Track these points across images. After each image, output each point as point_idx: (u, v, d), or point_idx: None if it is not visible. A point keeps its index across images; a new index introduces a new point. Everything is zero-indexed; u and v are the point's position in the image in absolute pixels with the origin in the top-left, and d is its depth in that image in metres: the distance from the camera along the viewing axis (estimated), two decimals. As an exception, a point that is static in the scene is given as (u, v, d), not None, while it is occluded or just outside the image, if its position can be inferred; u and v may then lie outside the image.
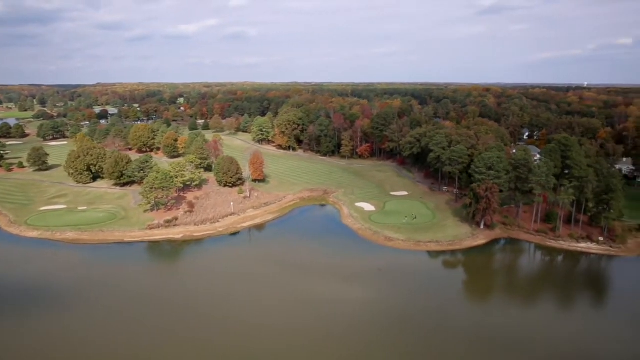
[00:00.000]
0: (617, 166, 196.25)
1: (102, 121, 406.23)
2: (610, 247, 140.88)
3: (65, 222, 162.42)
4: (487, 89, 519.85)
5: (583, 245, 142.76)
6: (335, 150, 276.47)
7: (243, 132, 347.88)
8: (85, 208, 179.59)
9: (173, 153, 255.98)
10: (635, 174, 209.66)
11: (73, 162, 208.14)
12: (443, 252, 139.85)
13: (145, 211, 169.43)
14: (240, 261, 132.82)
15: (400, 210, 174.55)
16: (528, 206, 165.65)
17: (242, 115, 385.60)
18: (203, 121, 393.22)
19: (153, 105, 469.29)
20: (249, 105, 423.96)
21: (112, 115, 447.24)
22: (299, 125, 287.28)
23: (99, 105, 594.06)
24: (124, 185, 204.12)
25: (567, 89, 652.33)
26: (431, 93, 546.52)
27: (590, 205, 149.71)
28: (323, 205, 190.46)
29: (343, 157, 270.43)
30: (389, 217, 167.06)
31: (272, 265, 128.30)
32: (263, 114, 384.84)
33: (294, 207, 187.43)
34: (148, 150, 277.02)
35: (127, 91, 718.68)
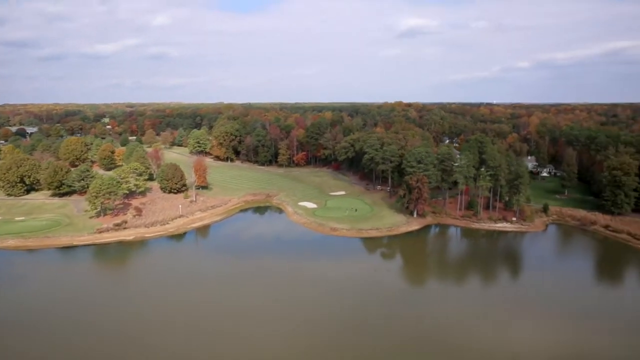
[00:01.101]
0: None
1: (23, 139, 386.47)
2: (522, 225, 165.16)
3: (3, 231, 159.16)
4: (409, 104, 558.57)
5: (500, 225, 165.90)
6: (272, 160, 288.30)
7: (178, 145, 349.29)
8: (23, 218, 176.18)
9: (110, 165, 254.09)
10: (538, 170, 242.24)
11: (4, 173, 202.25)
12: (383, 237, 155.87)
13: (91, 217, 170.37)
14: (194, 257, 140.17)
15: (341, 206, 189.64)
16: (453, 198, 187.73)
17: (176, 129, 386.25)
18: (135, 137, 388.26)
19: (77, 122, 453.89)
20: (181, 120, 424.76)
21: (31, 133, 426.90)
22: (236, 136, 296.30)
23: (11, 125, 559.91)
24: (63, 195, 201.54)
25: (479, 105, 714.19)
26: (357, 109, 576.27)
27: (504, 191, 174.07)
28: (268, 207, 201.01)
29: (280, 165, 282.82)
30: (332, 211, 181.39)
31: (227, 258, 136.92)
32: (197, 129, 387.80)
33: (240, 209, 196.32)
34: (81, 163, 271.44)
35: (43, 111, 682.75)
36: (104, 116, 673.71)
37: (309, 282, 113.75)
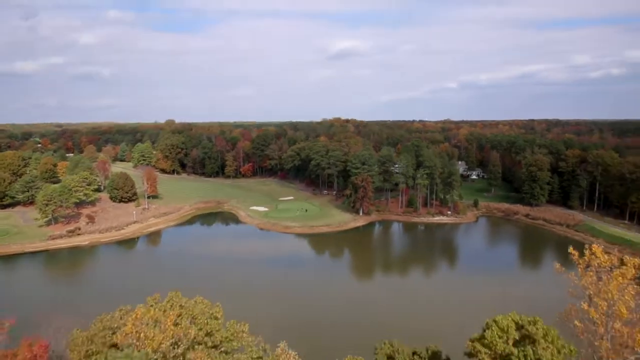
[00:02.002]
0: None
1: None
2: (456, 217, 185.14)
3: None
4: (347, 120, 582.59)
5: (437, 219, 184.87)
6: (219, 171, 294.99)
7: (121, 161, 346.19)
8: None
9: (52, 179, 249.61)
10: (468, 173, 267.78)
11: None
12: (333, 232, 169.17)
13: (40, 226, 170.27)
14: (154, 257, 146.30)
15: (291, 208, 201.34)
16: (395, 198, 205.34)
17: (118, 145, 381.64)
18: (72, 154, 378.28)
19: (4, 140, 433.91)
20: (121, 137, 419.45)
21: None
22: (182, 149, 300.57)
23: None
24: (4, 207, 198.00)
25: (412, 121, 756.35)
26: (296, 126, 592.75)
27: (439, 189, 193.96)
28: (220, 212, 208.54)
29: (227, 176, 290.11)
30: (283, 213, 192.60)
31: (185, 257, 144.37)
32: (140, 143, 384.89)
33: (193, 215, 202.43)
34: (18, 178, 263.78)
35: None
36: (32, 135, 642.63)
37: (263, 261, 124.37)
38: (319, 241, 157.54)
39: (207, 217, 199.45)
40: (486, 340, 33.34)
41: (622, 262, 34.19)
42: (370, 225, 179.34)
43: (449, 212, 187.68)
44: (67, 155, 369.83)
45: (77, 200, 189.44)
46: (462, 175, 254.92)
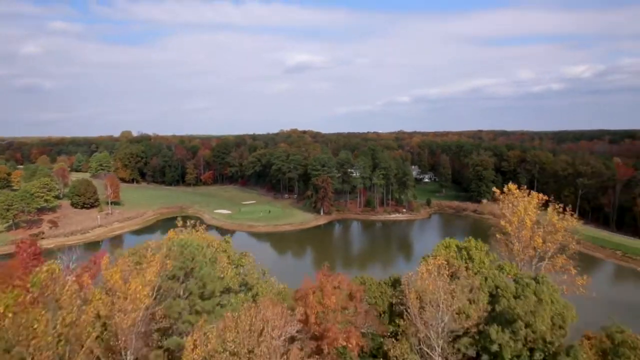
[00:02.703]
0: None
1: None
2: (411, 215, 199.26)
3: None
4: (304, 131, 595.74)
5: (394, 216, 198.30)
6: (180, 180, 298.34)
7: (76, 171, 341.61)
8: None
9: (7, 187, 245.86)
10: (421, 176, 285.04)
11: None
12: (295, 230, 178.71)
13: (0, 232, 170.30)
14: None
15: (254, 210, 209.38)
16: (353, 200, 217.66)
17: (72, 155, 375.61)
18: (22, 166, 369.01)
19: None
20: (75, 148, 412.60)
21: None
22: (142, 157, 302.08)
23: None
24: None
25: (367, 132, 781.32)
26: (255, 138, 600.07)
27: (395, 189, 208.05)
28: (184, 216, 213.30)
29: (188, 184, 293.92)
30: (247, 214, 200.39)
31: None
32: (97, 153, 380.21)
33: (157, 219, 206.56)
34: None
35: None
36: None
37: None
38: (283, 238, 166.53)
39: (172, 221, 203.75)
40: (434, 253, 44.22)
41: (529, 194, 46.68)
42: (331, 223, 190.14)
43: (404, 210, 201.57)
44: (18, 167, 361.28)
45: (39, 206, 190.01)
46: (415, 179, 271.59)
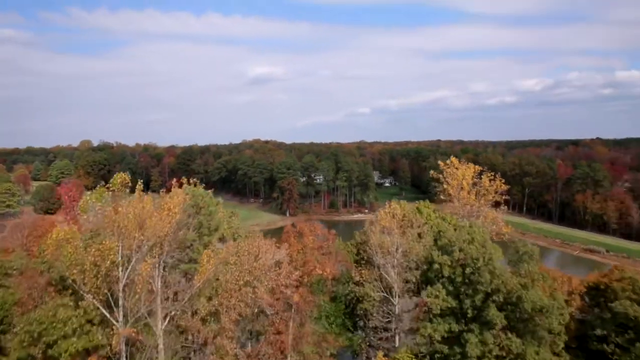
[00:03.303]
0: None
1: None
2: (372, 214, 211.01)
3: None
4: (266, 141, 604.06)
5: (356, 216, 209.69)
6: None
7: (35, 180, 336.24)
8: None
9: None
10: (382, 181, 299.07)
11: None
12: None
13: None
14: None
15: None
16: (318, 203, 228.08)
17: (30, 164, 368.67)
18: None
19: None
20: (32, 157, 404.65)
21: None
22: (104, 165, 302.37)
23: None
24: None
25: (330, 143, 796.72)
26: (218, 148, 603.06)
27: (357, 192, 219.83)
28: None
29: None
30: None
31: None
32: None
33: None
34: None
35: None
36: None
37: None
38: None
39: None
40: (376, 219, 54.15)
41: (468, 163, 58.15)
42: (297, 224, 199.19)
43: (367, 211, 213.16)
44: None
45: (2, 212, 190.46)
46: (376, 183, 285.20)
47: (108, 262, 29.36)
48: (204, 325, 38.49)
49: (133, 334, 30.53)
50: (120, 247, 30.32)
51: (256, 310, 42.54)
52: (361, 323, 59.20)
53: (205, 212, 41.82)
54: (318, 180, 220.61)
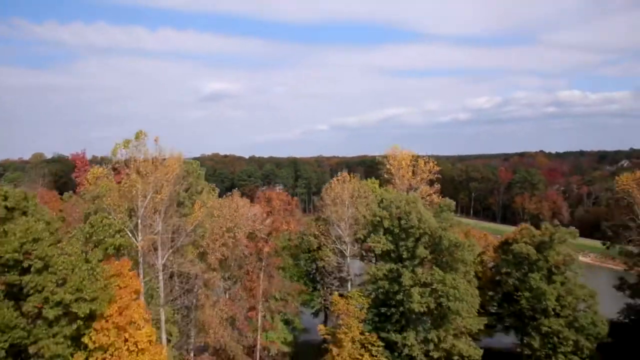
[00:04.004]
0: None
1: None
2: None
3: None
4: (226, 155, 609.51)
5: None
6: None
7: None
8: None
9: None
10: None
11: None
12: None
13: None
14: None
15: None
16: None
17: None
18: None
19: None
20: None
21: None
22: (61, 177, 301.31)
23: None
24: None
25: (288, 157, 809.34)
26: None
27: (315, 198, 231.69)
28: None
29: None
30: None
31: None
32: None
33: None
34: None
35: None
36: None
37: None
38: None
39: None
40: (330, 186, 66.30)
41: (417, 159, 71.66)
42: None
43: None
44: None
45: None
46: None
47: (133, 192, 39.34)
48: (192, 264, 48.80)
49: (145, 247, 40.85)
50: (139, 184, 40.13)
51: (235, 257, 53.10)
52: (319, 281, 70.78)
53: (194, 176, 52.17)
54: (278, 188, 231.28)
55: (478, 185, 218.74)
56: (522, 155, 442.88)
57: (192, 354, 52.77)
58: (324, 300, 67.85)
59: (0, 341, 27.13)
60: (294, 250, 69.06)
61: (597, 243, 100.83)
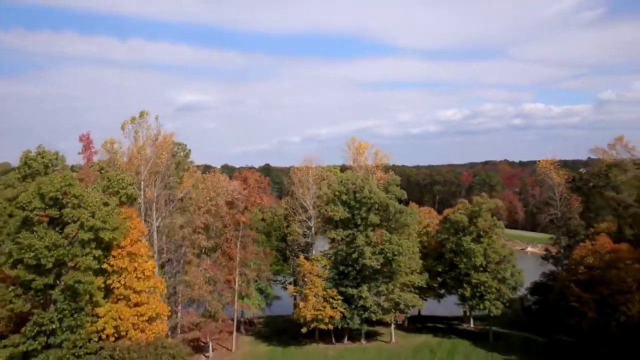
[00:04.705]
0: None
1: None
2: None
3: None
4: (198, 166, 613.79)
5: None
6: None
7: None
8: None
9: None
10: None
11: None
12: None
13: None
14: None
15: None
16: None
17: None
18: None
19: None
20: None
21: None
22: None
23: None
24: None
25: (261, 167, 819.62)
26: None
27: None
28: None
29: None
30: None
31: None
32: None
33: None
34: None
35: None
36: None
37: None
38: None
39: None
40: (296, 168, 77.68)
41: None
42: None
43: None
44: None
45: None
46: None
47: (139, 158, 49.66)
48: (181, 228, 59.13)
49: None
50: (143, 153, 50.38)
51: (215, 228, 63.55)
52: (289, 255, 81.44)
53: (183, 154, 62.69)
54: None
55: (441, 188, 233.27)
56: (486, 163, 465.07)
57: (179, 307, 62.63)
58: (293, 271, 78.44)
59: (48, 256, 36.82)
60: (267, 228, 79.78)
61: (546, 236, 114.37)
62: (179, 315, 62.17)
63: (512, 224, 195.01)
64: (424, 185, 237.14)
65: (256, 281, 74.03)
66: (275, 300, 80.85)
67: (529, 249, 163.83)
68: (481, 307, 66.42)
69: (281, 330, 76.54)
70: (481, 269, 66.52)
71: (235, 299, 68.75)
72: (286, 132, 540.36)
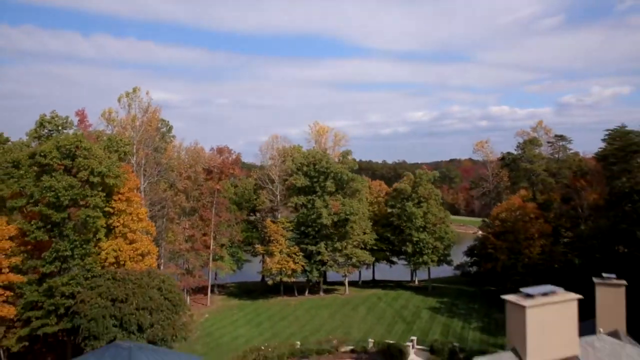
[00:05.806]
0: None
1: None
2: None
3: None
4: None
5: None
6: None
7: None
8: None
9: None
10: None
11: None
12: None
13: None
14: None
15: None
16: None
17: None
18: None
19: None
20: None
21: None
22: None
23: None
24: None
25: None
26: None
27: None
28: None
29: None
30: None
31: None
32: None
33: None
34: None
35: None
36: None
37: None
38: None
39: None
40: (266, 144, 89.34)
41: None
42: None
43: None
44: None
45: None
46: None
47: (132, 124, 60.29)
48: (164, 192, 69.89)
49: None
50: (136, 120, 60.98)
51: (194, 194, 74.48)
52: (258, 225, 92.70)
53: (167, 128, 73.39)
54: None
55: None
56: (451, 161, 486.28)
57: (162, 260, 73.21)
58: (262, 238, 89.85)
59: (65, 195, 47.05)
60: (239, 199, 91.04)
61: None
62: (162, 268, 72.77)
63: (470, 213, 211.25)
64: (388, 179, 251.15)
65: (230, 246, 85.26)
66: (245, 262, 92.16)
67: (480, 232, 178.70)
68: (420, 260, 79.46)
69: (251, 290, 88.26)
70: (421, 229, 79.55)
71: (210, 261, 79.65)
72: (255, 132, 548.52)
